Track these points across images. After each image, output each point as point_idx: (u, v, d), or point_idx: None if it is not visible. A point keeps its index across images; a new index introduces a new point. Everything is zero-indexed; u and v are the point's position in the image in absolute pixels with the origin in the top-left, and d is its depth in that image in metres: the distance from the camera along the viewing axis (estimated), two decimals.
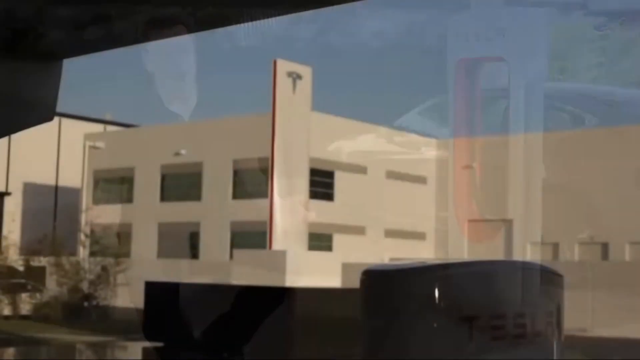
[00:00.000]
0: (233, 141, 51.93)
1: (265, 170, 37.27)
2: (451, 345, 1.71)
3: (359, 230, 53.78)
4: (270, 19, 2.45)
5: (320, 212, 48.58)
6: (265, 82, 25.02)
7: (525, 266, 2.00)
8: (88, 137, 60.77)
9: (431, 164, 58.63)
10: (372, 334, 1.71)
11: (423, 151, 58.43)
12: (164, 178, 56.42)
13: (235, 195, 52.60)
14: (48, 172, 69.22)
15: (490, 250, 54.18)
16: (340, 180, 52.88)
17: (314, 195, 41.77)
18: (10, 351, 20.77)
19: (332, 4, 2.39)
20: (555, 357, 1.98)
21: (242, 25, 2.46)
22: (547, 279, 2.01)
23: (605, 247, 51.29)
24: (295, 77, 22.18)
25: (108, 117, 75.08)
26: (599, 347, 24.36)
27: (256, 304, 20.29)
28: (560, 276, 2.05)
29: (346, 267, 23.57)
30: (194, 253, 54.06)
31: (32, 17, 2.50)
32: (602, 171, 51.13)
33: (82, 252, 39.41)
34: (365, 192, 54.13)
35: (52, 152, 69.46)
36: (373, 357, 1.71)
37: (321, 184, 50.63)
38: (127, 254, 35.99)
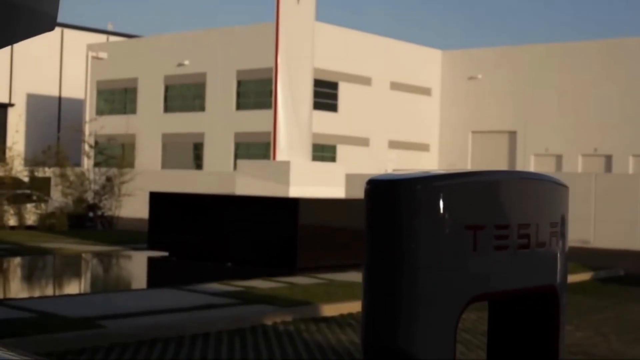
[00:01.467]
0: (236, 51, 51.68)
1: (268, 81, 37.13)
2: (455, 255, 1.71)
3: (363, 142, 53.86)
4: None
5: (325, 123, 48.58)
6: None
7: (530, 176, 1.99)
8: (91, 47, 60.43)
9: (436, 75, 58.42)
10: (376, 243, 1.72)
11: (428, 62, 58.12)
12: (167, 89, 56.29)
13: (239, 106, 52.57)
14: (51, 83, 69.05)
15: (494, 161, 54.37)
16: (345, 92, 52.78)
17: (318, 106, 41.70)
18: (17, 261, 20.97)
19: None
20: (559, 268, 1.98)
21: None
22: (552, 189, 2.00)
23: (608, 159, 51.36)
24: None
25: (110, 28, 74.58)
26: (602, 258, 24.57)
27: (260, 214, 20.44)
28: (565, 187, 2.04)
29: (350, 178, 23.68)
30: (198, 164, 54.26)
31: None
32: (609, 82, 50.90)
33: (87, 163, 39.53)
34: (369, 103, 54.06)
35: (55, 63, 69.19)
36: (376, 264, 1.72)
37: (325, 95, 50.53)
38: (131, 165, 36.05)
